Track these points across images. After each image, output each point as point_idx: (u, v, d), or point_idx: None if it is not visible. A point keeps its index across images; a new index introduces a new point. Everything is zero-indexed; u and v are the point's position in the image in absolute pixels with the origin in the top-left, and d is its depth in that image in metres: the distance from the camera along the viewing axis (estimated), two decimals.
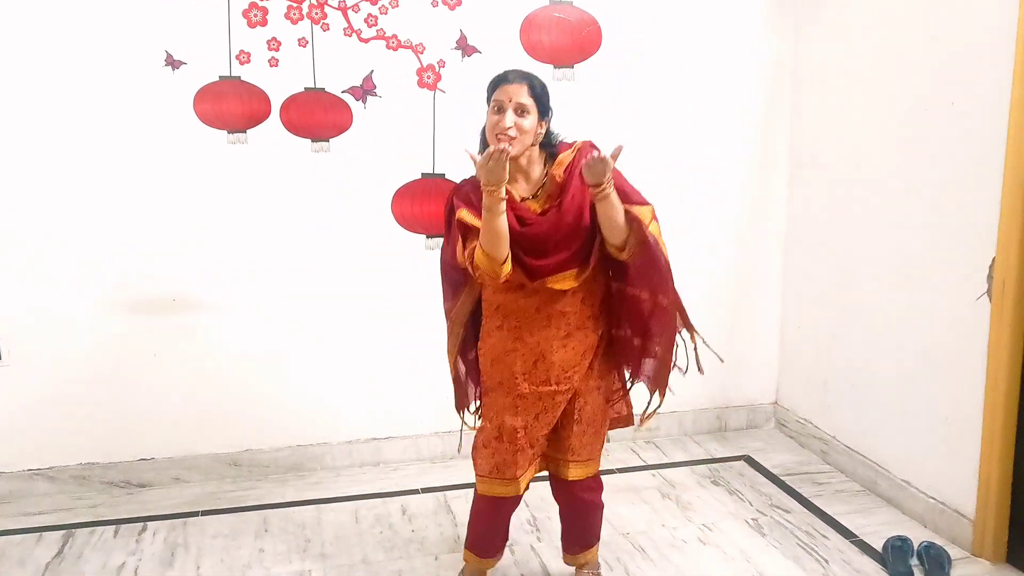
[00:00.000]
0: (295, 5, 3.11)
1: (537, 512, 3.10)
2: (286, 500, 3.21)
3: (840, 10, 3.32)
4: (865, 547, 2.86)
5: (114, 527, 3.02)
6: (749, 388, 3.87)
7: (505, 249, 2.13)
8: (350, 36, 3.17)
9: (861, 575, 2.70)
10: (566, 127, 3.38)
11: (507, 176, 2.07)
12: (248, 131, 3.16)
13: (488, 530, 2.53)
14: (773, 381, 3.88)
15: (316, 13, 3.13)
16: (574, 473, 2.41)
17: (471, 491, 3.20)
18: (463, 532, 2.94)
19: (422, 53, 3.24)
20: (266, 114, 3.16)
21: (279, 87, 3.15)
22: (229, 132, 3.15)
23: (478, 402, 2.53)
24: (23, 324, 3.12)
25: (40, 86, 2.99)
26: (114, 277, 3.16)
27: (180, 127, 3.10)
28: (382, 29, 3.19)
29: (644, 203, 2.34)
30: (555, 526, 2.98)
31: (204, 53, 3.07)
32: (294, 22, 3.12)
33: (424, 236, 3.35)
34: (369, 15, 3.17)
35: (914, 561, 2.73)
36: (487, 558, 2.57)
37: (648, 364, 2.48)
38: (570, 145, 2.35)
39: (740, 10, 3.51)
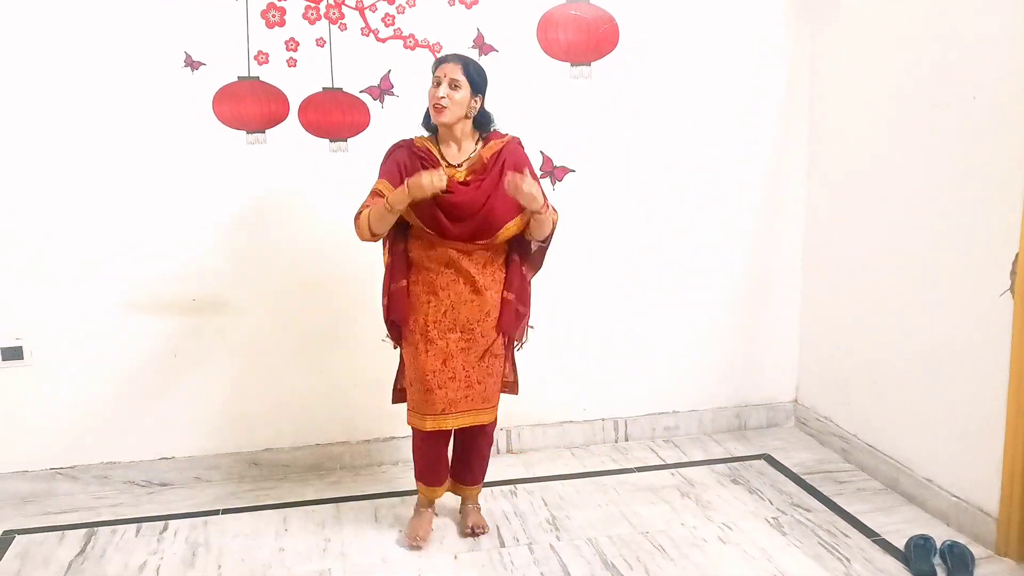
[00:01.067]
0: (313, 5, 3.12)
1: (556, 511, 3.10)
2: (306, 499, 3.22)
3: (858, 8, 3.30)
4: (887, 546, 2.84)
5: (136, 526, 3.04)
6: (768, 386, 3.85)
7: (386, 229, 2.61)
8: (367, 36, 3.18)
9: (884, 574, 2.68)
10: (583, 125, 3.41)
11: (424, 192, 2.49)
12: (267, 131, 3.17)
13: (425, 460, 2.89)
14: (793, 379, 3.86)
15: (334, 13, 3.14)
16: (486, 418, 2.82)
17: (490, 489, 3.25)
18: None
19: (439, 52, 3.24)
20: (284, 114, 3.17)
21: (297, 87, 3.17)
22: (248, 132, 3.16)
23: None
24: (46, 325, 3.15)
25: (60, 88, 3.01)
26: (134, 277, 3.18)
27: (199, 128, 3.12)
28: (399, 28, 3.20)
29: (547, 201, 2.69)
30: (575, 525, 3.00)
31: (223, 54, 3.09)
32: (312, 22, 3.13)
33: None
34: (386, 15, 3.18)
35: (937, 560, 2.71)
36: (432, 487, 2.93)
37: (521, 325, 2.91)
38: (503, 135, 2.75)
39: (758, 8, 3.49)
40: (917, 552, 2.71)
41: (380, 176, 2.67)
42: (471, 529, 2.92)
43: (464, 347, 2.72)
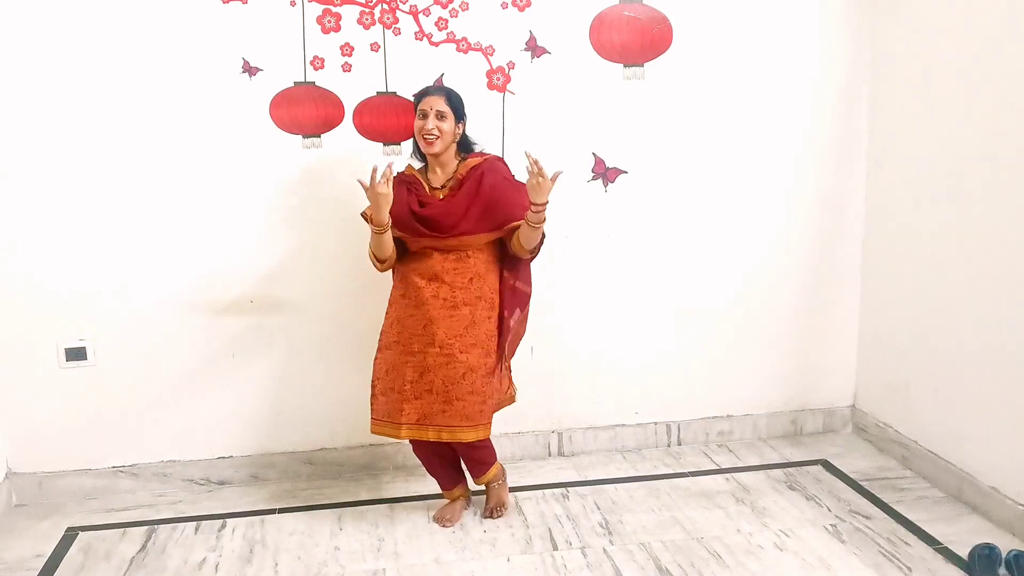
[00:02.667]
0: (367, 11, 3.15)
1: (609, 515, 3.08)
2: (360, 499, 3.25)
3: (919, 3, 3.22)
4: (950, 555, 2.76)
5: (195, 523, 3.10)
6: (826, 391, 3.78)
7: (386, 253, 2.83)
8: (421, 40, 3.20)
9: None
10: (635, 126, 3.39)
11: (385, 215, 2.72)
12: (322, 135, 3.21)
13: (431, 470, 3.07)
14: (851, 384, 3.78)
15: (388, 18, 3.17)
16: (470, 436, 2.85)
17: (542, 492, 3.25)
18: (534, 533, 2.96)
19: (492, 55, 3.25)
20: (340, 118, 3.21)
21: (352, 92, 3.20)
22: (304, 136, 3.21)
23: None
24: (109, 326, 3.23)
25: (126, 96, 3.08)
26: (194, 279, 3.24)
27: (257, 132, 3.17)
28: (452, 32, 3.21)
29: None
30: (628, 529, 2.98)
31: (280, 60, 3.14)
32: (366, 27, 3.16)
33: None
34: (440, 18, 3.19)
35: (1002, 570, 2.63)
36: (447, 490, 3.09)
37: (512, 343, 3.05)
38: (482, 155, 2.92)
39: (816, 4, 3.43)
40: (981, 562, 2.64)
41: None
42: (492, 512, 3.07)
43: (443, 362, 2.81)
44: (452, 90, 2.86)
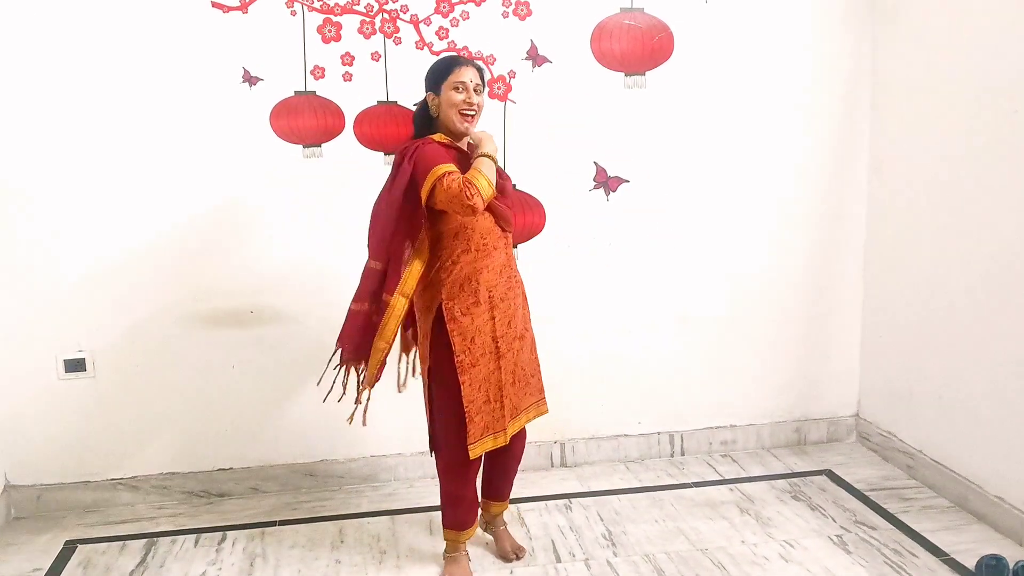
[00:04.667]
0: (368, 20, 3.15)
1: (612, 526, 3.06)
2: (361, 511, 3.23)
3: (919, 10, 3.22)
4: (957, 566, 2.74)
5: (195, 536, 3.07)
6: (829, 400, 3.76)
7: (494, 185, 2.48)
8: (422, 49, 3.19)
9: None
10: (637, 135, 3.38)
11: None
12: (323, 145, 3.20)
13: (466, 502, 2.72)
14: (854, 392, 3.77)
15: (388, 27, 3.16)
16: (544, 408, 2.77)
17: (545, 503, 3.22)
18: (538, 545, 2.94)
19: (493, 64, 3.24)
20: (340, 128, 3.20)
21: (353, 101, 3.19)
22: (304, 146, 3.19)
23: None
24: (108, 337, 3.21)
25: (124, 106, 3.08)
26: (193, 290, 3.23)
27: (257, 142, 3.16)
28: (453, 41, 3.21)
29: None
30: (631, 540, 2.96)
31: (280, 69, 3.13)
32: (367, 37, 3.15)
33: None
34: (440, 28, 3.19)
35: None
36: (470, 528, 2.78)
37: None
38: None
39: (815, 12, 3.43)
40: (988, 572, 2.62)
41: (435, 164, 2.42)
42: (515, 554, 2.85)
43: (519, 347, 2.66)
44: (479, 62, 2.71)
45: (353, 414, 2.68)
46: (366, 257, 2.59)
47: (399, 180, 2.48)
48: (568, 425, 3.53)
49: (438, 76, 2.53)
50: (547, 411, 2.79)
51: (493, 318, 2.56)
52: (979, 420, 3.03)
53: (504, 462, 2.82)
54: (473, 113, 2.52)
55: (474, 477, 2.70)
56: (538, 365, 2.77)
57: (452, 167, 2.42)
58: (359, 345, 2.60)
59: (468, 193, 2.36)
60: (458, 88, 2.49)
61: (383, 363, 2.60)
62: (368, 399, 2.67)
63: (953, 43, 3.06)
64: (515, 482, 3.17)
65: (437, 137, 2.53)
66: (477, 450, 2.58)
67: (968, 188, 3.02)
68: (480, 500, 2.87)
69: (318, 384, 2.80)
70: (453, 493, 2.70)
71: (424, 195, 2.43)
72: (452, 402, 2.57)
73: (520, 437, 2.78)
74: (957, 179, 3.08)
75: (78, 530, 3.14)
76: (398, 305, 2.52)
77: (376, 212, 2.59)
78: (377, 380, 2.62)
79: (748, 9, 3.38)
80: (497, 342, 2.57)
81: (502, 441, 2.62)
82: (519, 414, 2.68)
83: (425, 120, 2.59)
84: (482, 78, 2.56)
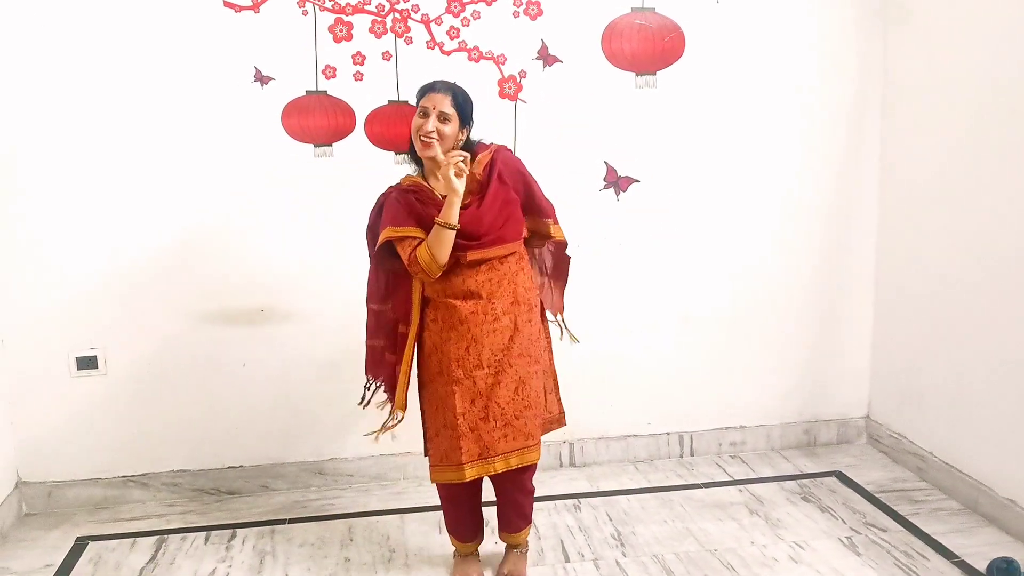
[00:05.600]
0: (379, 20, 3.15)
1: (621, 527, 3.06)
2: (370, 509, 3.23)
3: (930, 11, 3.21)
4: (968, 568, 2.73)
5: (205, 534, 3.09)
6: (839, 401, 3.75)
7: (447, 254, 2.41)
8: (432, 49, 3.20)
9: None
10: (648, 135, 3.38)
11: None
12: (334, 144, 3.21)
13: (457, 516, 2.73)
14: (865, 394, 3.75)
15: (399, 27, 3.16)
16: (533, 457, 2.58)
17: (554, 503, 3.22)
18: (546, 545, 2.94)
19: (503, 64, 3.25)
20: (351, 127, 3.20)
21: (364, 100, 3.20)
22: (316, 146, 3.20)
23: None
24: (119, 335, 3.22)
25: (137, 105, 3.09)
26: (204, 289, 3.24)
27: (269, 141, 3.17)
28: (464, 41, 3.21)
29: (553, 216, 2.69)
30: (640, 541, 2.95)
31: (291, 69, 3.14)
32: (378, 36, 3.16)
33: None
34: (451, 27, 3.19)
35: None
36: (467, 542, 2.77)
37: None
38: (487, 147, 2.58)
39: (826, 13, 3.42)
40: (1000, 575, 2.61)
41: (385, 225, 2.48)
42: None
43: (493, 383, 2.49)
44: (461, 89, 2.50)
45: (379, 433, 2.72)
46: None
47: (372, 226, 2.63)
48: (577, 425, 3.51)
49: (416, 101, 2.50)
50: (536, 459, 2.59)
51: (449, 339, 2.50)
52: (990, 422, 3.01)
53: (502, 497, 2.72)
54: (430, 141, 2.41)
55: (465, 490, 2.64)
56: (531, 409, 2.56)
57: (403, 231, 2.46)
58: (388, 374, 2.71)
59: (412, 270, 2.45)
60: (421, 113, 2.45)
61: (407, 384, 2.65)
62: (400, 420, 2.70)
63: (964, 43, 3.05)
64: None
65: (404, 180, 2.56)
66: (437, 476, 2.58)
67: (980, 188, 3.01)
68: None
69: (362, 406, 2.78)
70: (441, 497, 2.73)
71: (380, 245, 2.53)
72: (422, 416, 2.66)
73: (514, 480, 2.64)
74: (968, 179, 3.06)
75: (89, 527, 3.16)
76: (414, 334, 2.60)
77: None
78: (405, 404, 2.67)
79: (759, 9, 3.37)
80: (451, 365, 2.49)
81: (459, 478, 2.51)
82: (492, 456, 2.51)
83: (412, 145, 2.54)
84: (457, 103, 2.45)
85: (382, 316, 2.68)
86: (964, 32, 3.06)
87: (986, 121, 2.96)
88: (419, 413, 2.69)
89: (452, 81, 2.53)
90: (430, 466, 2.60)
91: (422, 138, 2.42)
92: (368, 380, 2.74)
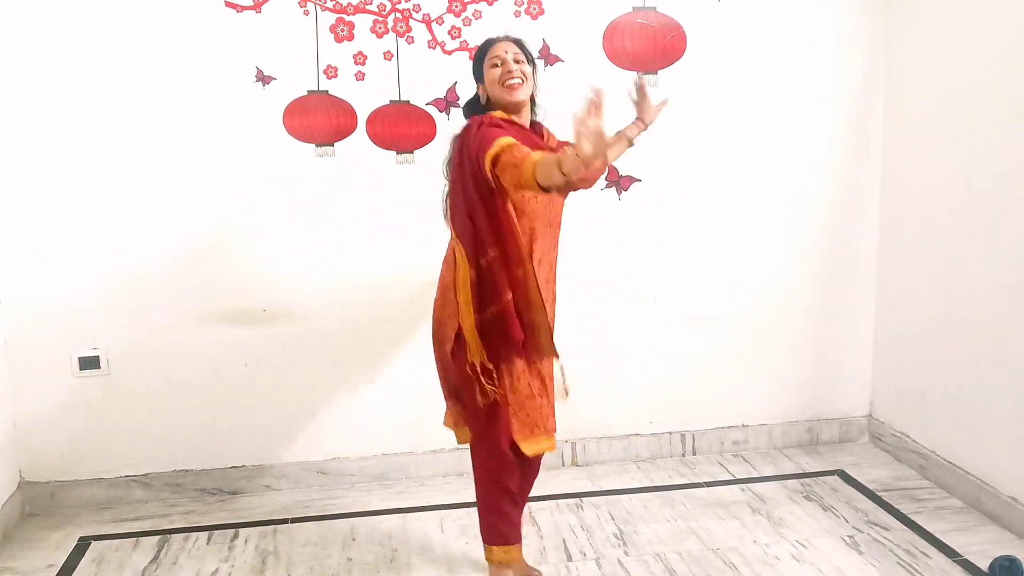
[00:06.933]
0: (381, 19, 3.15)
1: (624, 526, 3.06)
2: (372, 509, 3.24)
3: (933, 11, 3.21)
4: (970, 567, 2.73)
5: (207, 533, 3.09)
6: (841, 400, 3.75)
7: (560, 183, 2.09)
8: (434, 48, 3.20)
9: None
10: (649, 133, 3.36)
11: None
12: (335, 144, 3.21)
13: (513, 512, 2.61)
14: (867, 393, 3.75)
15: (401, 27, 3.17)
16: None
17: (556, 502, 3.22)
18: (548, 544, 2.94)
19: None
20: (353, 127, 3.20)
21: (365, 100, 3.20)
22: (317, 145, 3.20)
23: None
24: (122, 336, 3.23)
25: (138, 105, 3.09)
26: (207, 289, 3.24)
27: (270, 141, 3.17)
28: (465, 41, 3.21)
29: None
30: (643, 540, 2.95)
31: (293, 68, 3.14)
32: (379, 36, 3.16)
33: None
34: (453, 27, 3.19)
35: None
36: (518, 543, 2.66)
37: None
38: (551, 134, 2.61)
39: (829, 13, 3.42)
40: (1002, 573, 2.62)
41: (495, 138, 2.24)
42: None
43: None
44: (518, 37, 2.52)
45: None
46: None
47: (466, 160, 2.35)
48: (579, 424, 3.53)
49: (477, 63, 2.48)
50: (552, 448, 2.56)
51: (549, 290, 2.55)
52: (993, 421, 3.01)
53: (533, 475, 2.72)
54: (517, 81, 2.38)
55: (521, 473, 2.60)
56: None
57: (517, 146, 2.23)
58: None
59: (518, 173, 2.16)
60: (495, 64, 2.41)
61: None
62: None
63: (968, 44, 3.05)
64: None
65: (497, 113, 2.41)
66: (531, 447, 2.49)
67: (982, 189, 3.01)
68: None
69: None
70: (500, 496, 2.57)
71: (488, 166, 2.24)
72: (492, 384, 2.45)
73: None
74: (970, 181, 3.06)
75: (92, 527, 3.16)
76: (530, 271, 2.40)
77: (455, 204, 2.44)
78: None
79: (760, 8, 3.37)
80: (551, 320, 2.54)
81: (552, 446, 2.53)
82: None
83: (474, 111, 2.48)
84: (523, 49, 2.46)
85: (495, 264, 2.38)
86: (967, 31, 3.06)
87: (989, 121, 2.96)
88: (458, 390, 2.57)
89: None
90: (518, 439, 2.45)
91: (507, 82, 2.37)
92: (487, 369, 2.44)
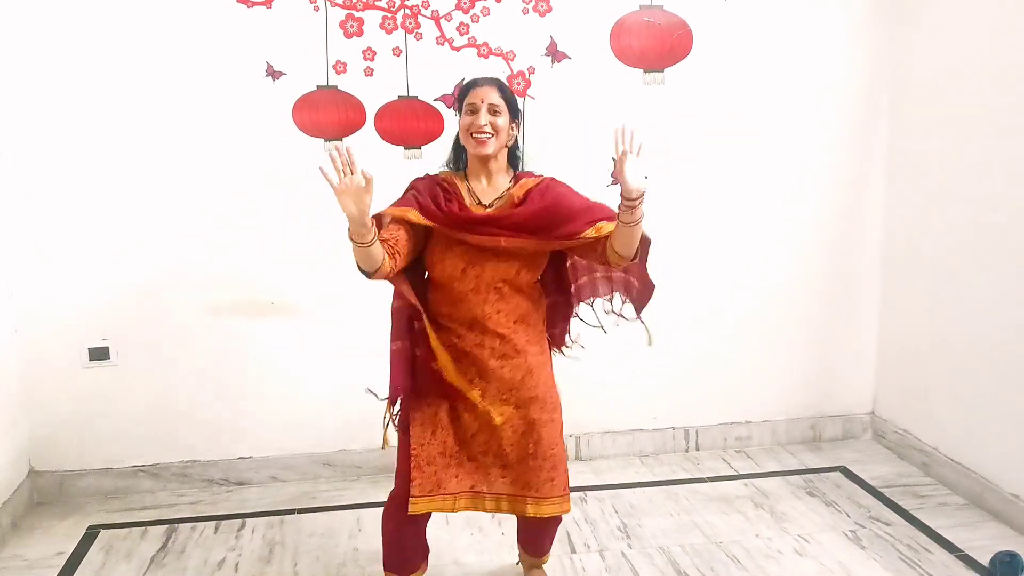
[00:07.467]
0: (390, 15, 3.18)
1: (627, 519, 3.08)
2: (378, 500, 3.25)
3: (939, 10, 3.22)
4: (971, 562, 2.75)
5: (215, 523, 3.12)
6: (844, 397, 3.77)
7: (374, 268, 2.22)
8: (442, 45, 3.22)
9: None
10: (655, 131, 3.39)
11: (367, 216, 2.14)
12: (344, 139, 3.23)
13: (399, 546, 2.45)
14: (870, 390, 3.77)
15: (410, 23, 3.19)
16: (550, 510, 2.33)
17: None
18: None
19: (512, 60, 3.27)
20: (361, 122, 3.23)
21: (374, 95, 3.22)
22: (326, 140, 3.23)
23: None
24: (131, 326, 3.25)
25: (148, 100, 3.12)
26: (216, 281, 3.27)
27: (279, 136, 3.20)
28: (473, 37, 3.23)
29: (612, 216, 2.23)
30: (646, 533, 2.98)
31: (302, 63, 3.16)
32: (388, 32, 3.19)
33: None
34: (461, 23, 3.21)
35: None
36: (412, 573, 2.50)
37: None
38: (533, 175, 2.35)
39: (835, 11, 3.44)
40: (1003, 569, 2.63)
41: (396, 205, 2.31)
42: None
43: (496, 424, 2.29)
44: (503, 81, 2.31)
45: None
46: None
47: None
48: (583, 419, 3.55)
49: (459, 101, 2.29)
50: (545, 515, 2.33)
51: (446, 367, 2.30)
52: (995, 418, 3.03)
53: (525, 525, 2.59)
54: (483, 136, 2.20)
55: (415, 519, 2.38)
56: (537, 463, 2.32)
57: (400, 213, 2.25)
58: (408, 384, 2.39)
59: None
60: (468, 110, 2.23)
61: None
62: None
63: (973, 43, 3.07)
64: None
65: (443, 173, 2.34)
66: (421, 506, 2.31)
67: (986, 188, 3.03)
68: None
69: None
70: (386, 526, 2.45)
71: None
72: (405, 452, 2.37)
73: (544, 522, 2.45)
74: (975, 179, 3.08)
75: (100, 516, 3.19)
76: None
77: None
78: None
79: (767, 6, 3.39)
80: (454, 398, 2.32)
81: (463, 506, 2.34)
82: (488, 494, 2.34)
83: (455, 148, 2.37)
84: (504, 96, 2.25)
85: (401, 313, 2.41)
86: (973, 29, 3.07)
87: (994, 119, 2.98)
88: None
89: (491, 77, 2.34)
90: (414, 496, 2.29)
91: (475, 135, 2.21)
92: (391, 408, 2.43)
